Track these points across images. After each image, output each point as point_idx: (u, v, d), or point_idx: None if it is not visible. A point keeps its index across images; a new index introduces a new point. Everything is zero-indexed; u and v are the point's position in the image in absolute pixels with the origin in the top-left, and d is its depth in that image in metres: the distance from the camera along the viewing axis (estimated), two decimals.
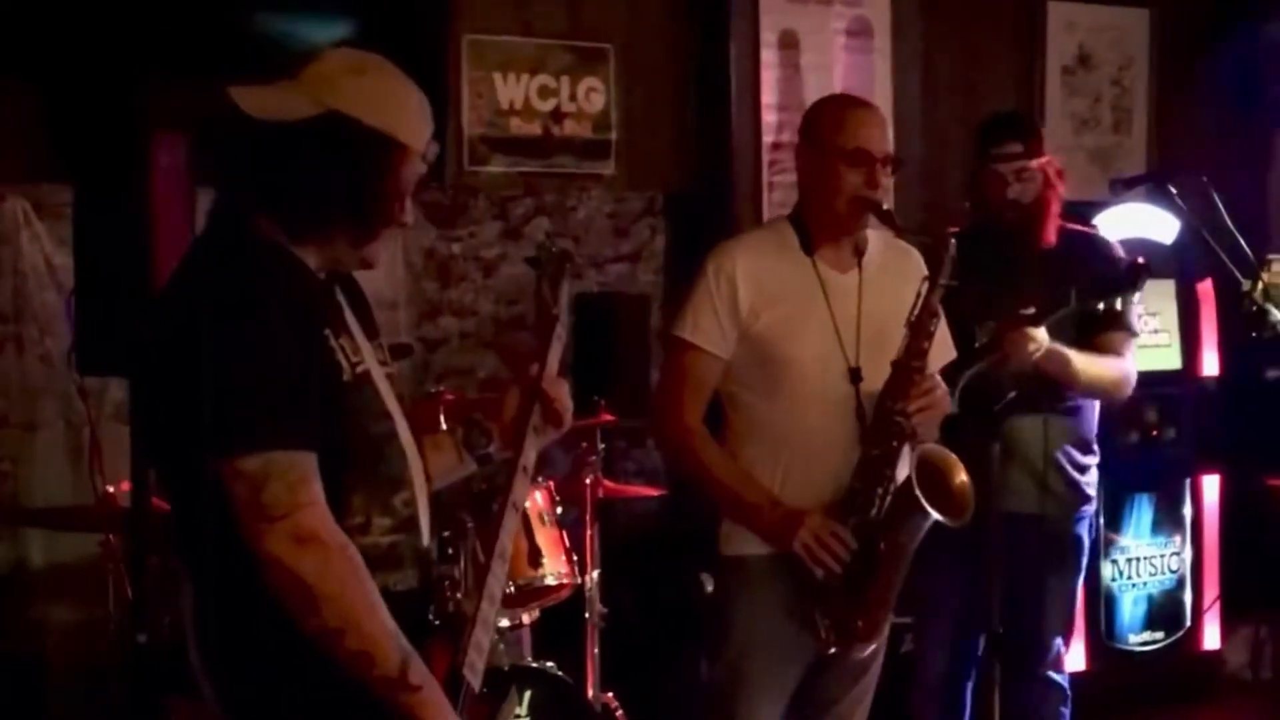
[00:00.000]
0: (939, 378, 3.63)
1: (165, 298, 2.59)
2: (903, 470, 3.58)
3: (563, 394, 2.89)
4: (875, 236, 3.79)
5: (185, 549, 2.59)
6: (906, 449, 3.60)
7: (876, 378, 3.62)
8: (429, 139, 2.65)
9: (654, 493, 5.43)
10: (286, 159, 2.53)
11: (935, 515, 3.52)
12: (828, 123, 3.72)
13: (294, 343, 2.46)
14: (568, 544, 4.84)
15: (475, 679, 2.58)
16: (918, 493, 3.51)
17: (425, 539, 2.68)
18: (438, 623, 2.59)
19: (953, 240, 3.58)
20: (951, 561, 4.23)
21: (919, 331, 3.57)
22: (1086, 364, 4.29)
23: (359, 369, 2.58)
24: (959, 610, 4.43)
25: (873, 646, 3.72)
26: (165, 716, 4.22)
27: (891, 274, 3.76)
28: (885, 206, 3.70)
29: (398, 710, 2.44)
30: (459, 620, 2.61)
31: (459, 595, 2.73)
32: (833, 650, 3.63)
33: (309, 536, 2.39)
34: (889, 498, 3.57)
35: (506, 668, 2.74)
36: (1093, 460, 4.56)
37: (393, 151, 2.58)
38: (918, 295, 3.59)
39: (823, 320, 3.64)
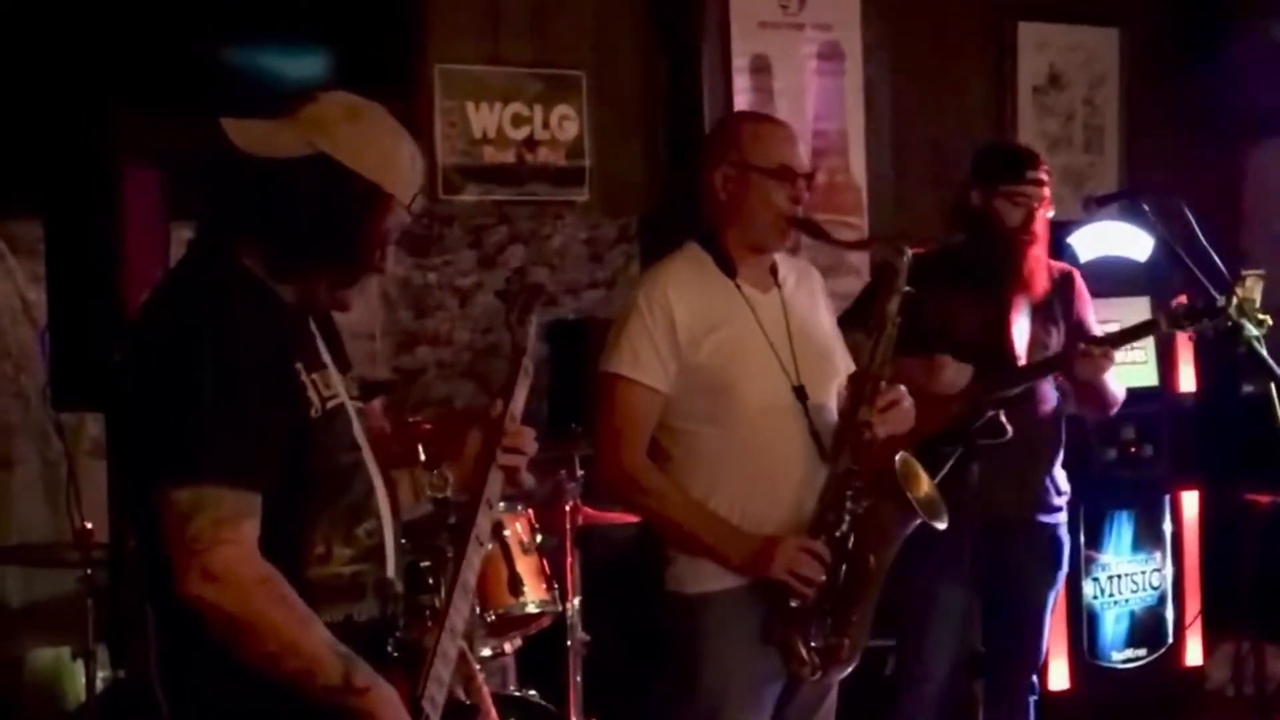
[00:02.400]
0: (903, 387, 3.61)
1: (138, 322, 2.59)
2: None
3: (524, 442, 2.85)
4: (778, 254, 3.75)
5: (147, 580, 2.59)
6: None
7: (819, 394, 3.62)
8: (416, 191, 2.66)
9: (634, 519, 5.41)
10: (271, 196, 2.54)
11: (924, 518, 3.50)
12: (746, 141, 3.66)
13: (259, 376, 2.46)
14: (548, 571, 4.83)
15: (435, 712, 2.58)
16: (908, 495, 3.49)
17: (390, 569, 2.67)
18: (396, 654, 2.58)
19: (907, 248, 3.57)
20: (951, 577, 4.33)
21: (880, 340, 3.56)
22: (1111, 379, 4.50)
23: (330, 404, 2.58)
24: (959, 625, 4.45)
25: (851, 668, 3.68)
26: None
27: (803, 290, 3.76)
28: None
29: (351, 715, 2.45)
30: (418, 652, 2.60)
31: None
32: (816, 676, 3.57)
33: (220, 574, 2.38)
34: (860, 510, 3.53)
35: (468, 703, 2.72)
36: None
37: (378, 201, 2.58)
38: (881, 301, 3.58)
39: (759, 342, 3.58)
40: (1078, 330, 4.60)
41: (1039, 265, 4.53)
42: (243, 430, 2.42)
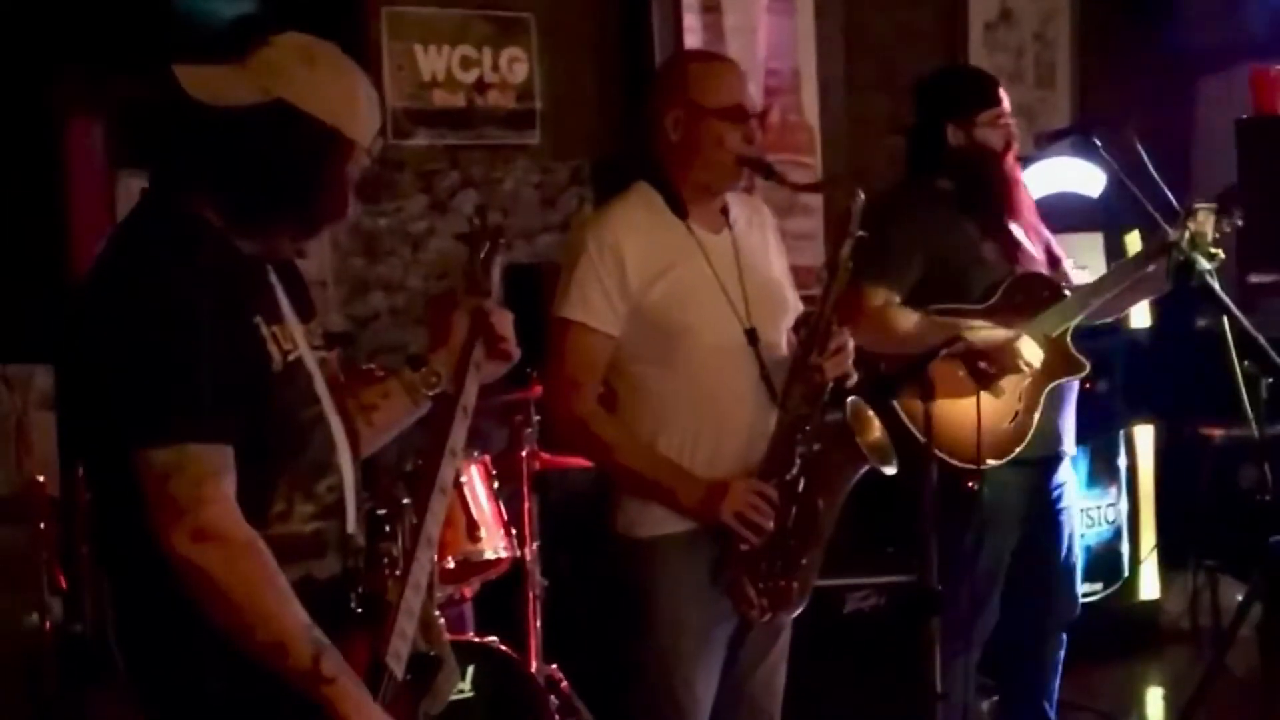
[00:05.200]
0: (847, 330, 3.58)
1: (91, 277, 2.52)
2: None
3: (507, 325, 2.84)
4: (730, 194, 3.71)
5: (104, 539, 2.56)
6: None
7: (771, 336, 3.59)
8: (375, 133, 2.62)
9: (590, 463, 5.41)
10: (230, 146, 2.48)
11: (873, 463, 3.49)
12: (695, 81, 3.60)
13: (218, 330, 2.41)
14: (506, 517, 4.82)
15: (398, 667, 2.56)
16: (858, 440, 3.48)
17: (351, 525, 2.64)
18: (360, 610, 2.56)
19: (860, 192, 3.54)
20: (1006, 527, 4.42)
21: (832, 284, 3.51)
22: None
23: (290, 357, 2.54)
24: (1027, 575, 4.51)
25: (800, 609, 3.68)
26: (92, 706, 4.19)
27: (755, 230, 3.72)
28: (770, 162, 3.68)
29: (314, 701, 2.42)
30: (382, 607, 2.57)
31: (397, 573, 2.69)
32: (765, 618, 3.56)
33: (211, 533, 2.36)
34: (811, 454, 3.51)
35: (431, 653, 2.70)
36: None
37: (338, 145, 2.54)
38: (834, 245, 3.55)
39: (710, 284, 3.54)
40: (1049, 252, 4.60)
41: (1024, 186, 4.53)
42: (211, 385, 2.39)
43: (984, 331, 4.31)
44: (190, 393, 2.37)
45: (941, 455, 4.12)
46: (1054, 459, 4.51)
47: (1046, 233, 4.62)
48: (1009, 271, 4.40)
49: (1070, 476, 4.63)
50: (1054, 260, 4.57)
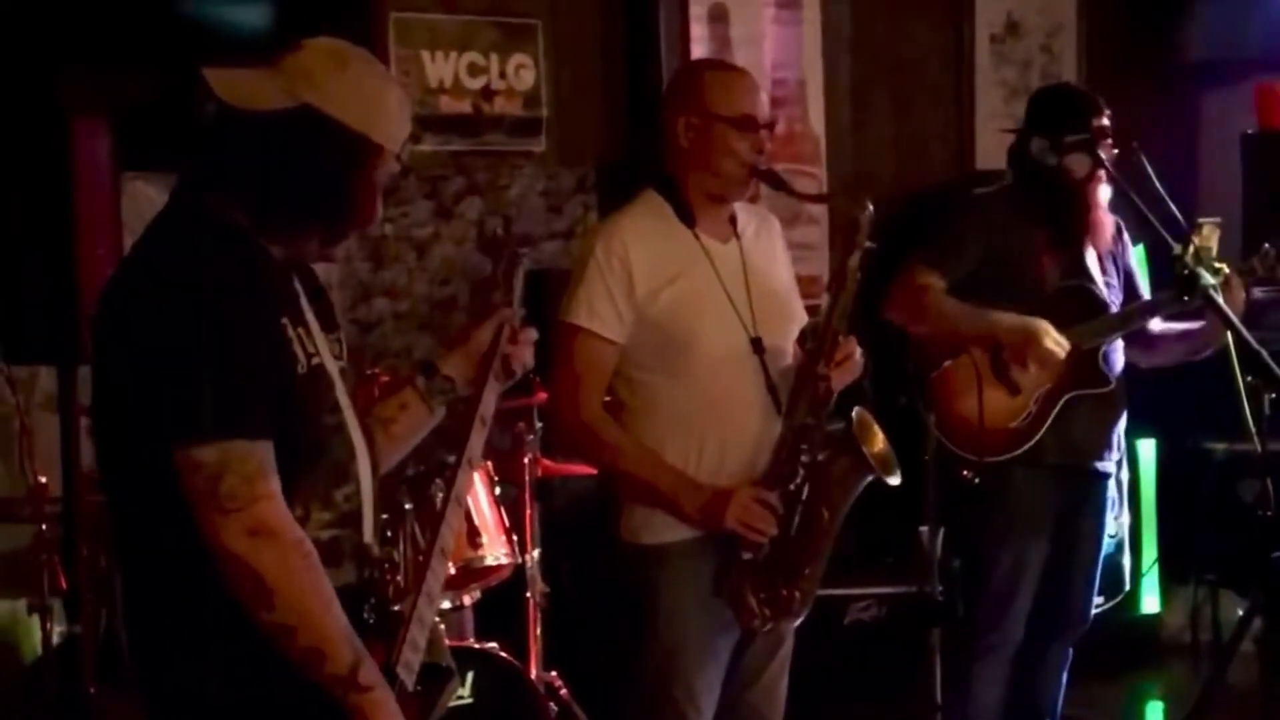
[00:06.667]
0: (854, 338, 3.58)
1: (123, 277, 2.52)
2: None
3: (528, 344, 2.83)
4: (738, 204, 3.72)
5: (122, 541, 2.55)
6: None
7: (777, 345, 3.60)
8: (405, 139, 2.61)
9: (592, 470, 5.40)
10: (258, 151, 2.48)
11: (878, 474, 3.50)
12: (709, 89, 3.61)
13: (252, 329, 2.41)
14: (507, 523, 4.82)
15: (409, 677, 2.55)
16: (864, 451, 3.49)
17: (367, 534, 2.62)
18: (372, 620, 2.54)
19: (870, 204, 3.54)
20: (1035, 529, 4.44)
21: (840, 295, 3.51)
22: None
23: (314, 360, 2.53)
24: (1039, 578, 4.49)
25: (801, 619, 3.68)
26: (94, 708, 4.19)
27: (762, 239, 3.73)
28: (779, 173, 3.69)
29: (347, 709, 2.41)
30: (395, 618, 2.56)
31: (398, 578, 2.69)
32: (766, 628, 3.57)
33: (265, 530, 2.35)
34: (815, 464, 3.52)
35: (443, 664, 2.70)
36: None
37: (367, 152, 2.52)
38: (843, 256, 3.55)
39: (717, 293, 3.55)
40: (1128, 281, 4.59)
41: (1106, 213, 4.50)
42: (253, 383, 2.38)
43: (1011, 316, 4.34)
44: (233, 389, 2.36)
45: (945, 441, 4.18)
46: (1084, 472, 4.51)
47: (1131, 264, 4.63)
48: (1060, 286, 4.41)
49: (1110, 498, 4.65)
50: (1133, 294, 4.58)
